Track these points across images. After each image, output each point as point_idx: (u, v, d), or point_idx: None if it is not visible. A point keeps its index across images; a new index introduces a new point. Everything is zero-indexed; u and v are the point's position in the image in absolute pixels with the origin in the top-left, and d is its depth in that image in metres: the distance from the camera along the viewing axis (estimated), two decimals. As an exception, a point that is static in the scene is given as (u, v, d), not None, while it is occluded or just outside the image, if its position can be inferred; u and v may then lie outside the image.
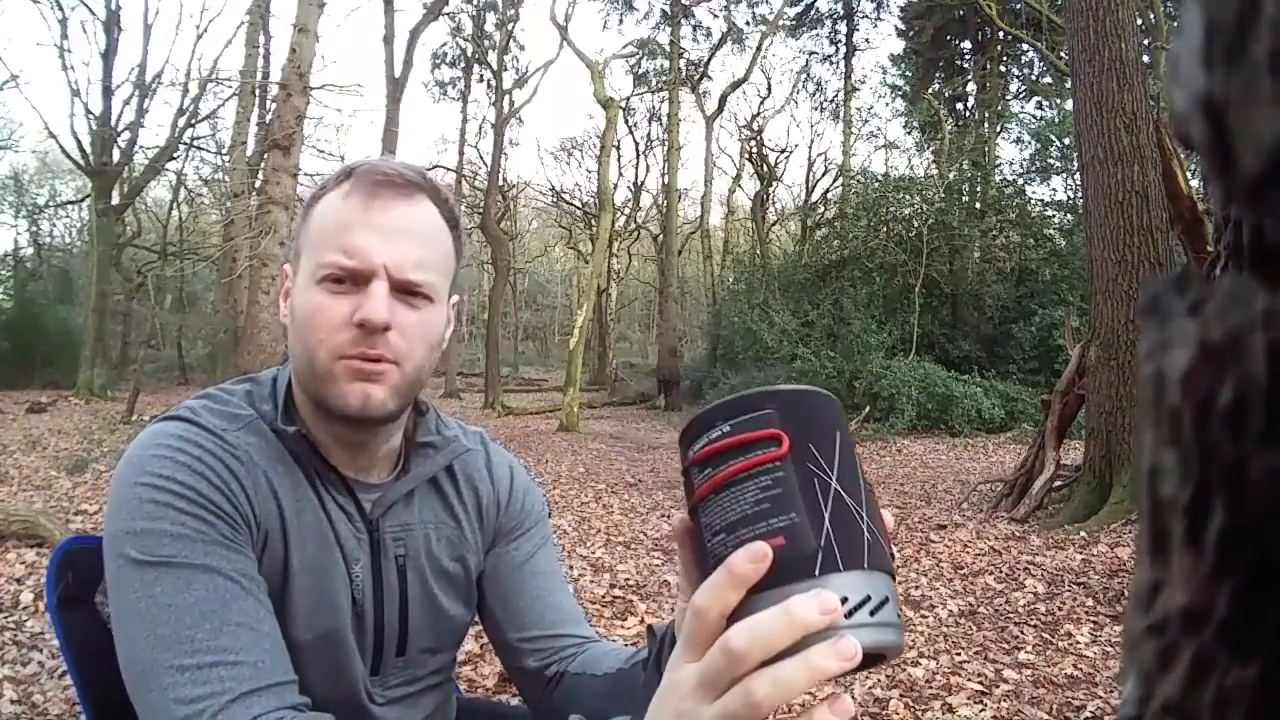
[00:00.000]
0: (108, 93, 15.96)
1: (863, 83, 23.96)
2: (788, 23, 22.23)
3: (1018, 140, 18.06)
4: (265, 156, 9.95)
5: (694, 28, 21.79)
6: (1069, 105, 8.04)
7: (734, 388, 13.47)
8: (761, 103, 23.72)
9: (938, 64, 20.46)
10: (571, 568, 4.30)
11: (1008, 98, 19.75)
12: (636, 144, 25.32)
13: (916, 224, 14.52)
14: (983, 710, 2.60)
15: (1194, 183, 4.49)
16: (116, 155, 16.13)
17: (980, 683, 2.81)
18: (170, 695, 0.67)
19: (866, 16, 22.30)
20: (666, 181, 20.18)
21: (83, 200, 22.07)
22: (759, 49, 21.49)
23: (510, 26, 21.05)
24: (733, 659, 0.42)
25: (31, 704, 2.54)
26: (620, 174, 25.22)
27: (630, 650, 0.83)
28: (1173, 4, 12.45)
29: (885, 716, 2.55)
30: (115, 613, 0.73)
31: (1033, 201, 15.59)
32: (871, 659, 0.44)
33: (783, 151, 23.02)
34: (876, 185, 15.60)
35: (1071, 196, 14.71)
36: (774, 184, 22.66)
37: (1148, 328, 0.18)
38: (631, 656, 0.79)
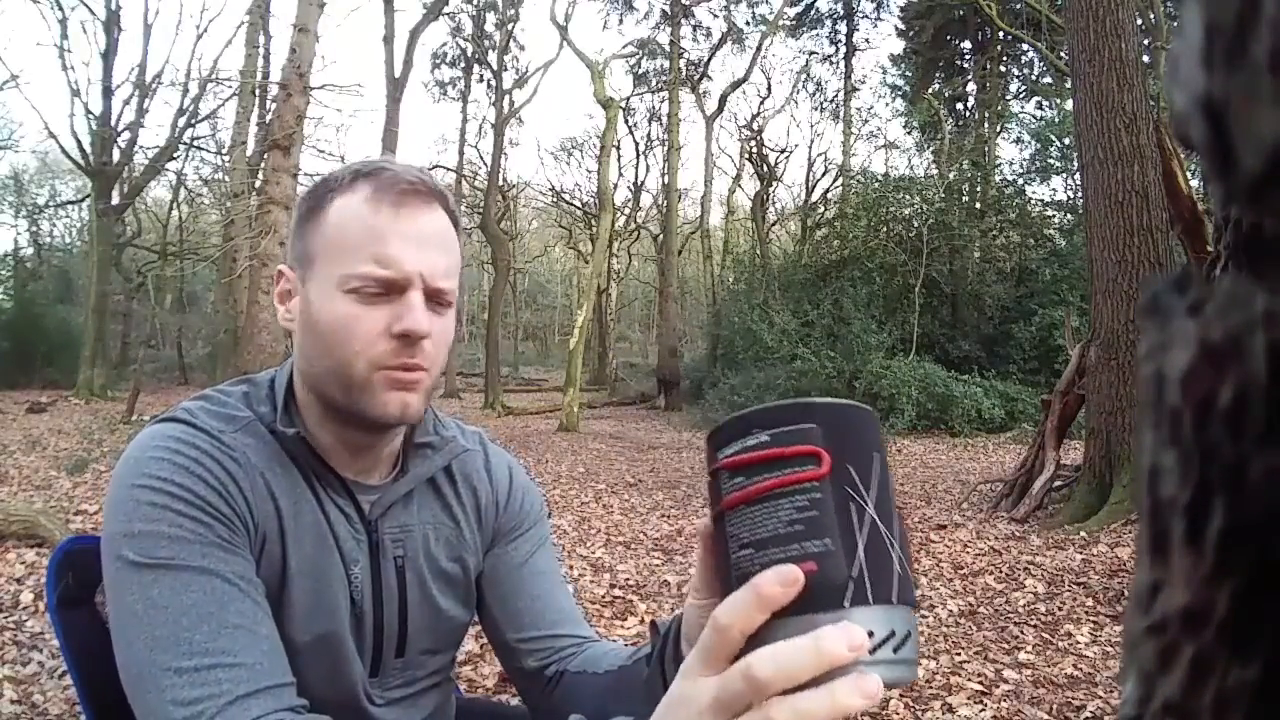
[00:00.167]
0: (108, 93, 15.96)
1: (863, 83, 24.03)
2: (788, 23, 22.24)
3: (1018, 140, 18.08)
4: (265, 156, 9.95)
5: (694, 28, 21.81)
6: (1069, 105, 8.04)
7: (734, 388, 13.55)
8: (761, 103, 23.67)
9: (938, 64, 20.46)
10: (571, 568, 4.30)
11: (1008, 98, 19.76)
12: (636, 144, 25.36)
13: (916, 224, 14.52)
14: (983, 710, 2.60)
15: (1194, 183, 4.49)
16: (116, 155, 16.13)
17: (980, 683, 2.81)
18: (168, 697, 0.67)
19: (866, 16, 22.34)
20: (666, 181, 20.19)
21: (83, 200, 22.09)
22: (759, 49, 21.51)
23: (510, 26, 21.06)
24: (754, 686, 0.42)
25: (31, 704, 2.54)
26: (620, 174, 25.26)
27: (631, 649, 0.83)
28: (1173, 4, 12.45)
29: (885, 716, 2.55)
30: (113, 614, 0.73)
31: (1033, 201, 15.60)
32: None
33: (783, 151, 23.04)
34: (876, 185, 15.60)
35: (1071, 196, 14.72)
36: (774, 184, 22.67)
37: (1148, 328, 0.18)
38: (633, 654, 0.79)
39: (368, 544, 0.86)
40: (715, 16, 22.35)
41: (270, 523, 0.79)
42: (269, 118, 12.38)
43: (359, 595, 0.85)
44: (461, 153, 22.63)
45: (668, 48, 20.61)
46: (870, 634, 0.42)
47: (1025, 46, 17.59)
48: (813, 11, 22.45)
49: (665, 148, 21.00)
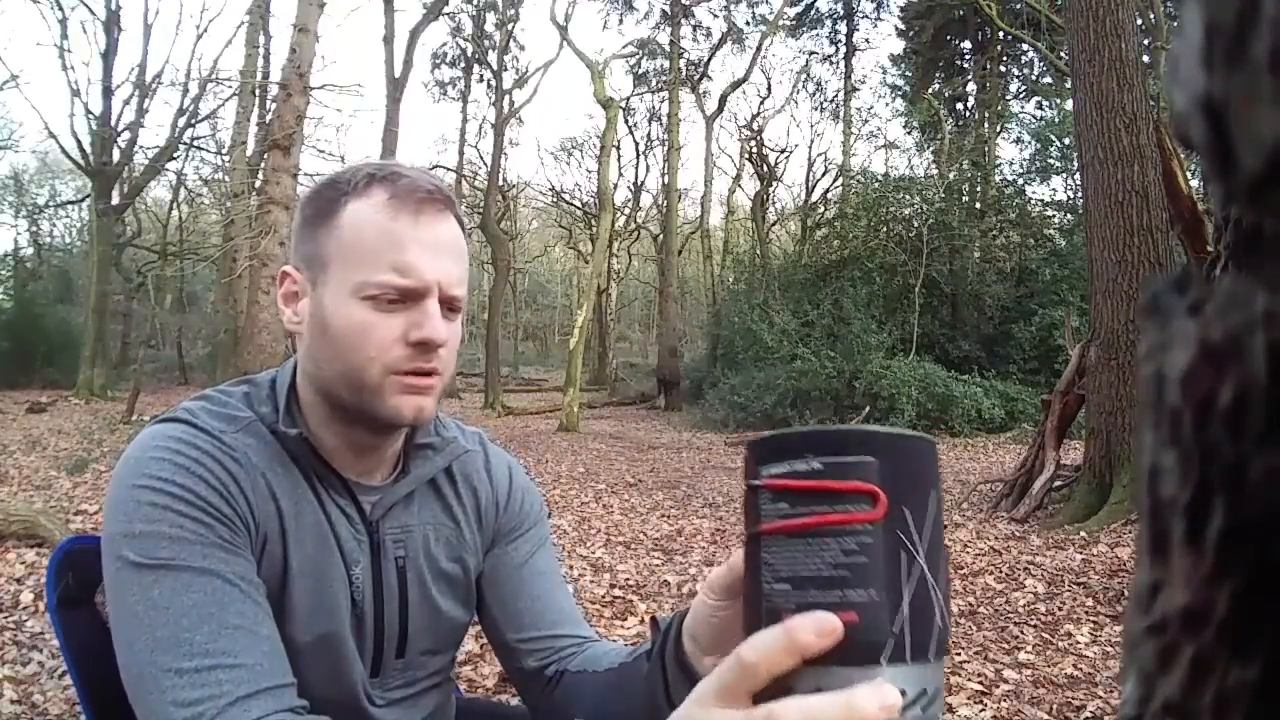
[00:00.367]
0: (108, 93, 15.97)
1: (863, 83, 24.03)
2: (788, 23, 22.25)
3: (1018, 140, 18.08)
4: (265, 156, 9.95)
5: (694, 28, 21.81)
6: (1069, 105, 8.04)
7: (734, 388, 13.55)
8: (761, 103, 23.64)
9: (938, 64, 20.47)
10: (571, 568, 4.30)
11: (1008, 98, 19.76)
12: (636, 144, 25.37)
13: (916, 224, 14.52)
14: (983, 710, 2.60)
15: (1194, 183, 4.49)
16: (116, 155, 16.14)
17: (980, 683, 2.81)
18: (168, 698, 0.67)
19: (866, 16, 22.35)
20: (666, 181, 20.19)
21: (83, 200, 22.10)
22: (759, 49, 21.52)
23: (510, 26, 21.07)
24: None
25: (31, 704, 2.54)
26: (620, 174, 25.27)
27: (630, 648, 0.83)
28: (1173, 4, 12.45)
29: None
30: (114, 615, 0.73)
31: (1033, 201, 15.61)
32: None
33: (783, 151, 23.04)
34: (876, 185, 15.60)
35: (1071, 196, 14.72)
36: (774, 184, 22.67)
37: (1148, 328, 0.18)
38: (633, 652, 0.79)
39: (369, 544, 0.86)
40: (715, 16, 22.39)
41: (271, 523, 0.79)
42: (269, 118, 12.38)
43: (360, 596, 0.85)
44: (461, 153, 22.65)
45: (668, 48, 20.62)
46: (903, 693, 0.40)
47: (1025, 46, 17.59)
48: (813, 11, 22.46)
49: (665, 148, 21.01)
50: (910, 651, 0.40)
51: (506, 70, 21.07)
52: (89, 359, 15.42)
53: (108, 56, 16.02)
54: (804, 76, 23.33)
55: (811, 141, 29.02)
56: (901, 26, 21.22)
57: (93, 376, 15.28)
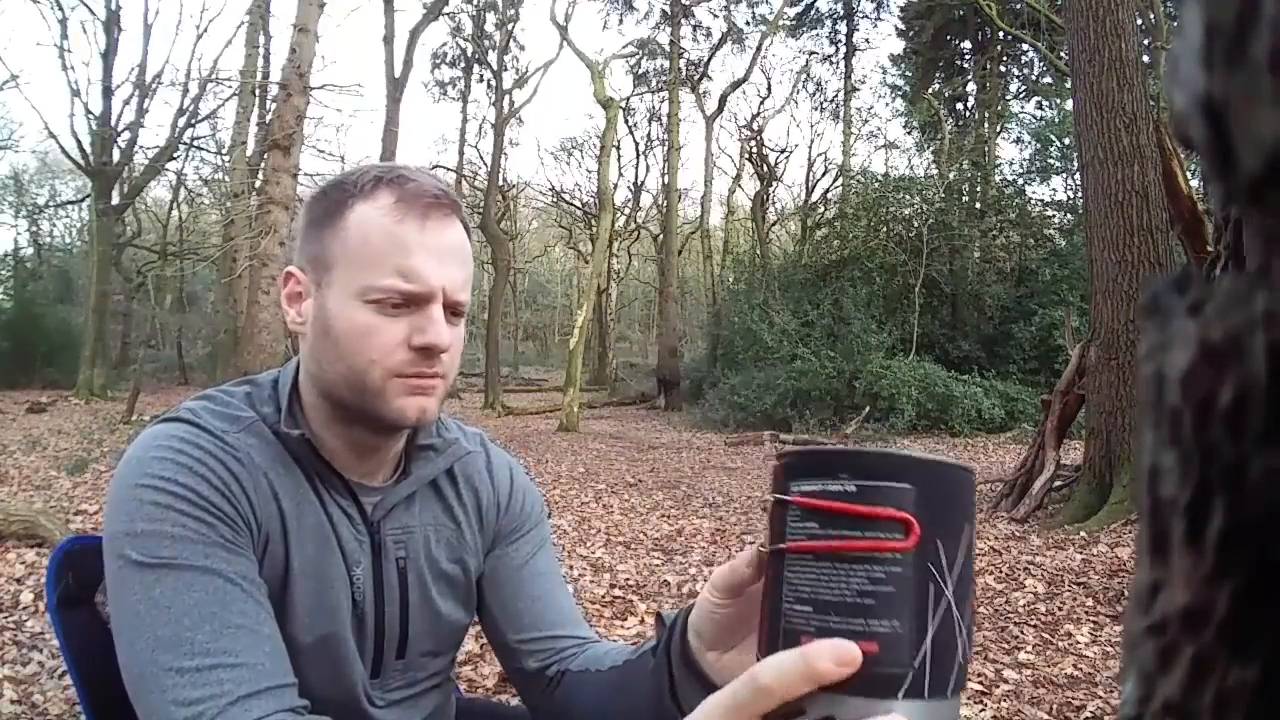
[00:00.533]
0: (108, 93, 15.97)
1: (863, 83, 24.02)
2: (788, 23, 22.25)
3: (1018, 140, 18.10)
4: (265, 156, 9.95)
5: (694, 28, 21.81)
6: (1069, 105, 8.04)
7: (734, 388, 13.55)
8: (761, 103, 23.63)
9: (938, 64, 20.46)
10: (571, 568, 4.30)
11: (1008, 98, 19.77)
12: (636, 144, 25.37)
13: (916, 224, 14.52)
14: (983, 710, 2.60)
15: (1194, 183, 4.49)
16: (116, 155, 16.14)
17: (980, 683, 2.81)
18: (169, 697, 0.67)
19: (866, 16, 22.35)
20: (666, 181, 20.19)
21: (83, 200, 22.10)
22: (759, 49, 21.52)
23: (510, 26, 21.06)
24: None
25: (31, 704, 2.55)
26: (620, 174, 25.27)
27: (633, 647, 0.83)
28: (1173, 4, 12.45)
29: None
30: (115, 614, 0.73)
31: (1033, 201, 15.61)
32: None
33: (783, 151, 23.05)
34: (876, 185, 15.60)
35: (1071, 196, 14.72)
36: (774, 184, 22.68)
37: (1148, 328, 0.18)
38: (636, 650, 0.79)
39: (370, 545, 0.86)
40: (715, 16, 22.38)
41: (273, 523, 0.80)
42: (269, 118, 12.38)
43: (361, 596, 0.85)
44: (461, 153, 22.64)
45: (668, 48, 20.62)
46: None
47: (1025, 46, 17.59)
48: (813, 11, 22.46)
49: (665, 148, 21.01)
50: (929, 688, 0.39)
51: (506, 70, 21.09)
52: (89, 359, 15.42)
53: (108, 56, 16.02)
54: (804, 76, 23.36)
55: (811, 141, 29.02)
56: (901, 26, 21.22)
57: (93, 376, 15.28)
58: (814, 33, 22.91)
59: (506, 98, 20.47)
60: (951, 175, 15.98)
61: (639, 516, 5.92)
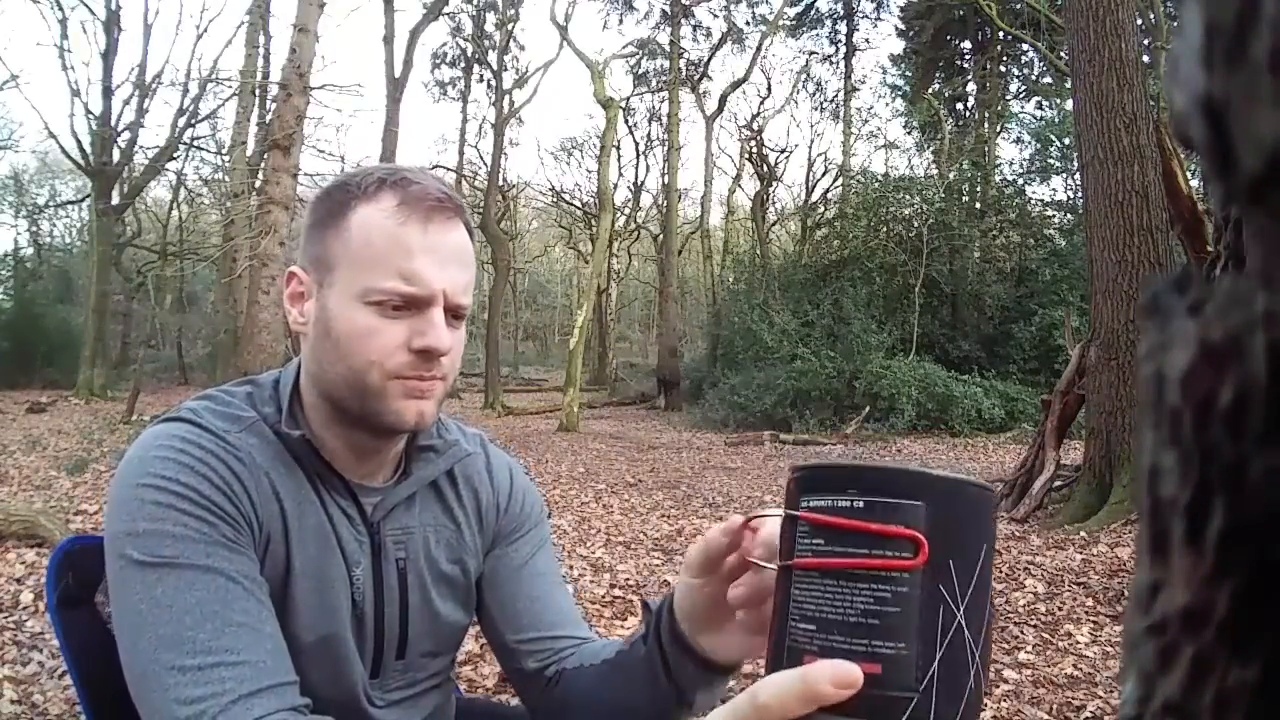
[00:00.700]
0: (108, 93, 15.97)
1: (863, 83, 23.99)
2: (788, 23, 22.25)
3: (1018, 140, 18.11)
4: (265, 156, 9.95)
5: (694, 28, 21.81)
6: (1069, 105, 8.04)
7: (734, 388, 13.55)
8: (761, 103, 23.62)
9: (938, 64, 20.46)
10: (571, 568, 4.30)
11: (1008, 98, 19.77)
12: (636, 144, 25.36)
13: (916, 224, 14.52)
14: (983, 710, 2.60)
15: (1194, 183, 4.49)
16: (116, 155, 16.14)
17: (980, 683, 2.81)
18: (171, 696, 0.68)
19: (866, 16, 22.34)
20: (666, 181, 20.19)
21: (83, 200, 22.10)
22: (759, 49, 21.52)
23: (510, 26, 21.06)
24: None
25: (31, 704, 2.55)
26: (620, 174, 25.26)
27: (625, 640, 0.83)
28: (1173, 4, 12.45)
29: None
30: (117, 614, 0.73)
31: (1033, 201, 15.62)
32: None
33: (783, 151, 23.03)
34: (876, 185, 15.61)
35: (1071, 196, 14.72)
36: (774, 184, 22.67)
37: (1148, 328, 0.18)
38: (630, 638, 0.79)
39: (370, 545, 0.86)
40: (715, 16, 22.37)
41: (275, 523, 0.80)
42: (269, 118, 12.38)
43: (360, 596, 0.85)
44: (461, 153, 22.64)
45: (668, 48, 20.62)
46: None
47: (1025, 46, 17.58)
48: (813, 11, 22.46)
49: (665, 148, 21.01)
50: (935, 714, 0.38)
51: (506, 70, 21.09)
52: (89, 359, 15.42)
53: (108, 56, 16.02)
54: (804, 76, 23.35)
55: (811, 141, 28.93)
56: (901, 26, 21.22)
57: (93, 376, 15.28)
58: (814, 33, 22.93)
59: (506, 98, 20.47)
60: (951, 175, 15.98)
61: (639, 516, 5.92)
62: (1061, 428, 6.01)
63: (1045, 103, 18.03)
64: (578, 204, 26.85)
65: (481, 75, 22.76)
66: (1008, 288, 14.54)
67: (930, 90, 19.70)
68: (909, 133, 20.55)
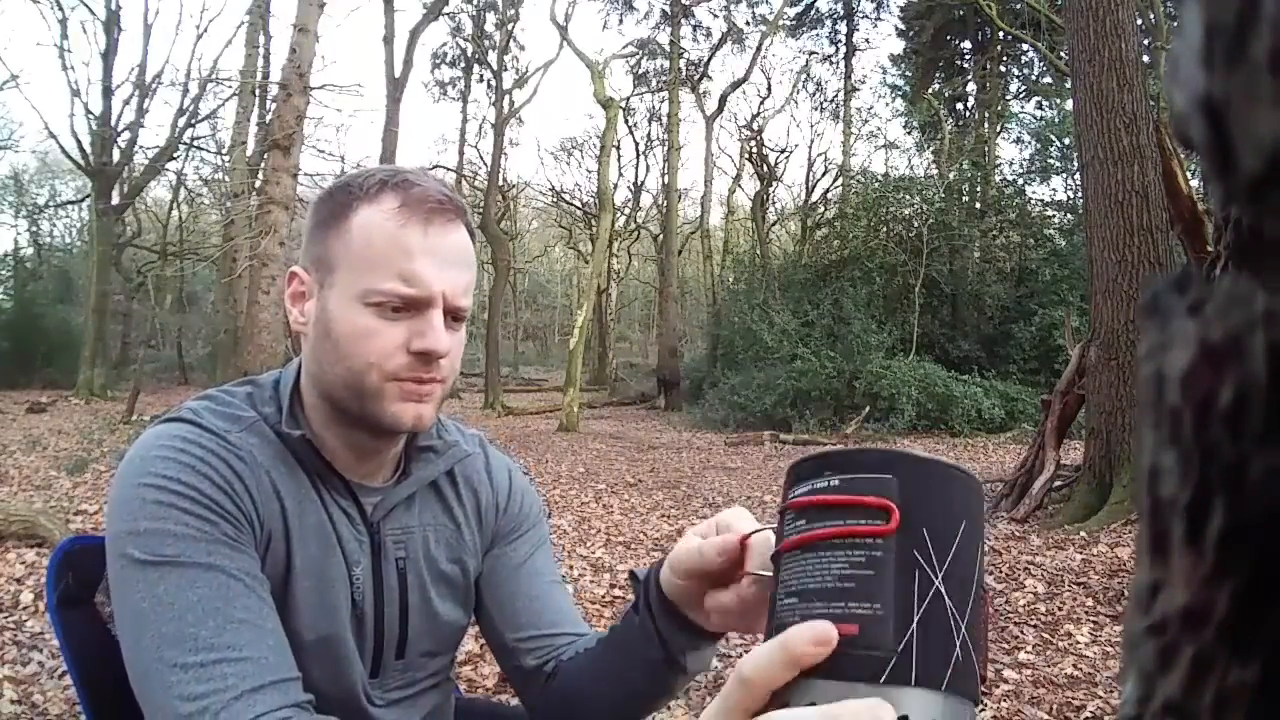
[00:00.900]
0: (108, 93, 15.97)
1: (863, 83, 23.98)
2: (788, 23, 22.24)
3: (1018, 140, 18.11)
4: (265, 156, 9.95)
5: (694, 28, 21.81)
6: (1069, 105, 8.04)
7: (734, 388, 13.55)
8: (761, 103, 23.60)
9: (938, 64, 20.46)
10: (571, 568, 4.30)
11: (1008, 98, 19.76)
12: (636, 144, 25.35)
13: (916, 224, 14.52)
14: (983, 710, 2.60)
15: (1194, 183, 4.49)
16: (116, 155, 16.14)
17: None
18: (174, 693, 0.68)
19: (866, 16, 22.34)
20: (666, 181, 20.19)
21: (83, 200, 22.09)
22: (759, 49, 21.51)
23: (510, 26, 21.06)
24: None
25: (31, 704, 2.55)
26: (620, 174, 25.26)
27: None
28: (1173, 4, 12.45)
29: (885, 716, 2.55)
30: (119, 613, 0.74)
31: (1033, 201, 15.62)
32: None
33: (783, 151, 23.03)
34: (876, 185, 15.61)
35: (1071, 196, 14.72)
36: (774, 184, 22.66)
37: (1148, 328, 0.18)
38: (622, 615, 0.80)
39: (370, 545, 0.86)
40: (715, 16, 22.36)
41: (275, 522, 0.80)
42: (269, 118, 12.38)
43: (360, 596, 0.85)
44: (461, 153, 22.63)
45: (668, 48, 20.62)
46: (905, 718, 0.37)
47: (1025, 46, 17.58)
48: (813, 11, 22.45)
49: (665, 148, 21.00)
50: (916, 674, 0.38)
51: (506, 70, 21.08)
52: (89, 359, 15.42)
53: (108, 56, 16.03)
54: (804, 76, 23.34)
55: (811, 141, 28.94)
56: (901, 26, 21.22)
57: (93, 376, 15.28)
58: (814, 33, 22.92)
59: (506, 98, 20.47)
60: (951, 175, 15.98)
61: (639, 516, 5.92)
62: (1061, 428, 6.01)
63: (1045, 103, 18.03)
64: (578, 204, 26.84)
65: (481, 75, 22.78)
66: (1008, 288, 14.54)
67: (930, 90, 19.70)
68: (909, 133, 20.55)
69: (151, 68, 20.42)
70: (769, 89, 30.02)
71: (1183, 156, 4.41)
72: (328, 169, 19.67)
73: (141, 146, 17.27)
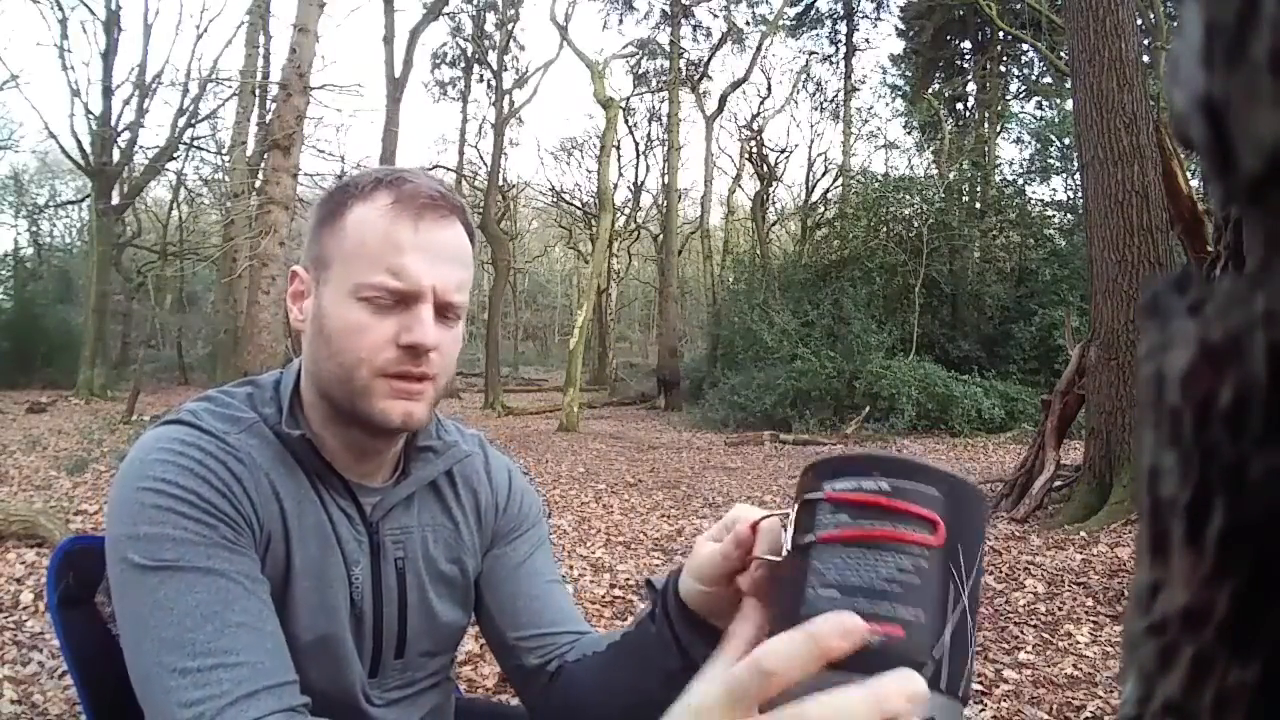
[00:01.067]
0: (108, 93, 15.97)
1: (863, 83, 23.97)
2: (788, 23, 22.24)
3: (1018, 140, 18.09)
4: (265, 156, 9.95)
5: (694, 28, 21.80)
6: (1069, 105, 8.04)
7: (734, 388, 13.56)
8: (761, 103, 23.60)
9: (938, 64, 20.46)
10: (571, 568, 4.30)
11: (1008, 98, 19.76)
12: (636, 144, 25.34)
13: (916, 224, 14.52)
14: (983, 710, 2.60)
15: (1194, 183, 4.49)
16: (116, 155, 16.14)
17: (980, 683, 2.81)
18: (173, 699, 0.68)
19: (866, 16, 22.34)
20: (666, 181, 20.19)
21: (83, 200, 22.09)
22: (759, 49, 21.51)
23: (510, 26, 21.06)
24: None
25: (31, 704, 2.55)
26: (620, 174, 25.25)
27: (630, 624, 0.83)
28: (1173, 4, 12.45)
29: (885, 716, 2.55)
30: (120, 617, 0.74)
31: (1033, 201, 15.61)
32: None
33: (783, 151, 23.02)
34: (876, 185, 15.60)
35: (1071, 196, 14.72)
36: (774, 184, 22.66)
37: (1148, 328, 0.18)
38: (635, 620, 0.79)
39: (369, 545, 0.86)
40: (715, 16, 22.34)
41: (275, 523, 0.80)
42: (269, 118, 12.38)
43: (359, 596, 0.85)
44: (461, 153, 22.63)
45: (668, 48, 20.61)
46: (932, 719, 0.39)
47: (1025, 46, 17.58)
48: (813, 11, 22.45)
49: (665, 148, 21.00)
50: (945, 681, 0.40)
51: (506, 70, 21.08)
52: (89, 359, 15.42)
53: (108, 56, 16.02)
54: (804, 76, 23.34)
55: (811, 141, 28.93)
56: (901, 26, 21.22)
57: (93, 376, 15.28)
58: (814, 33, 22.92)
59: (506, 98, 20.47)
60: (951, 175, 15.98)
61: (639, 516, 5.92)
62: (1061, 428, 6.01)
63: (1045, 103, 18.03)
64: (578, 204, 26.84)
65: (481, 75, 22.78)
66: (1008, 288, 14.55)
67: (930, 90, 19.70)
68: (909, 133, 20.56)
69: (151, 68, 20.42)
70: (769, 89, 30.04)
71: (1183, 156, 4.41)
72: (328, 169, 19.69)
73: (141, 146, 17.29)
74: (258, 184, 12.29)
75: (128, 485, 0.75)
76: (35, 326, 18.99)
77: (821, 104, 23.62)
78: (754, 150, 21.92)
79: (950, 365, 12.89)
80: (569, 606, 0.96)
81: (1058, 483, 5.93)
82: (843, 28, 22.55)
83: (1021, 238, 15.20)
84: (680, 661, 0.67)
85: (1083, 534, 4.90)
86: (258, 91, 14.16)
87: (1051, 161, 15.20)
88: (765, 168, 21.68)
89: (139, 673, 0.71)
